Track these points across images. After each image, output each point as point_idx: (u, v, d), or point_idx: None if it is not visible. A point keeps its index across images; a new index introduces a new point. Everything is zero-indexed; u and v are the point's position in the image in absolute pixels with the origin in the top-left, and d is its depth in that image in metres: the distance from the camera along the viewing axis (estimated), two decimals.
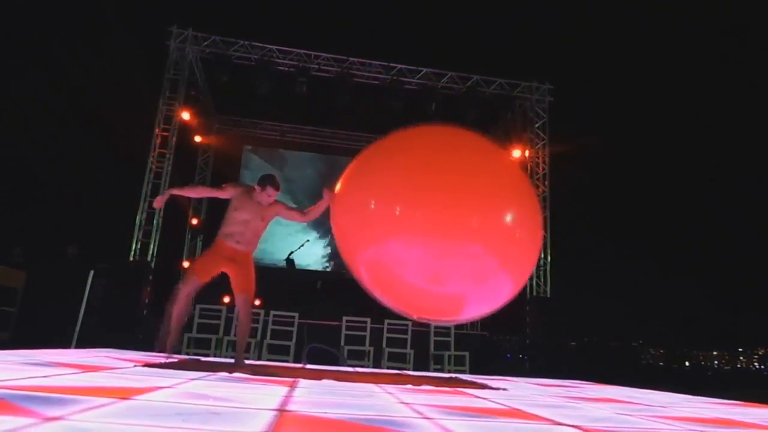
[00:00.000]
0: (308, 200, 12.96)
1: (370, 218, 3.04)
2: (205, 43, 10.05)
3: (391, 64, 10.42)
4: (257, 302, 6.85)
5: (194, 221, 12.70)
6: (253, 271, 3.84)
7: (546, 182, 10.64)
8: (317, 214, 3.83)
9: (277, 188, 3.75)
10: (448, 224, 2.84)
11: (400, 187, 2.94)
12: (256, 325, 6.55)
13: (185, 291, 3.69)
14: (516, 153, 11.16)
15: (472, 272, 2.94)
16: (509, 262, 3.05)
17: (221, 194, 3.82)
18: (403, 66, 10.46)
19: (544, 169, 10.72)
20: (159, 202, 3.95)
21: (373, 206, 3.03)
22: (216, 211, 3.92)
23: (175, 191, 4.30)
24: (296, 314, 6.76)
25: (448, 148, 3.11)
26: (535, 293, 9.87)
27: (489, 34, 16.80)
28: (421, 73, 10.51)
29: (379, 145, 3.39)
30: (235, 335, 6.59)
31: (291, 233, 11.77)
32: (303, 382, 2.86)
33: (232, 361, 4.80)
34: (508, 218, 3.02)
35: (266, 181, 3.73)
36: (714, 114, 22.11)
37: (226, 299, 7.91)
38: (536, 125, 10.89)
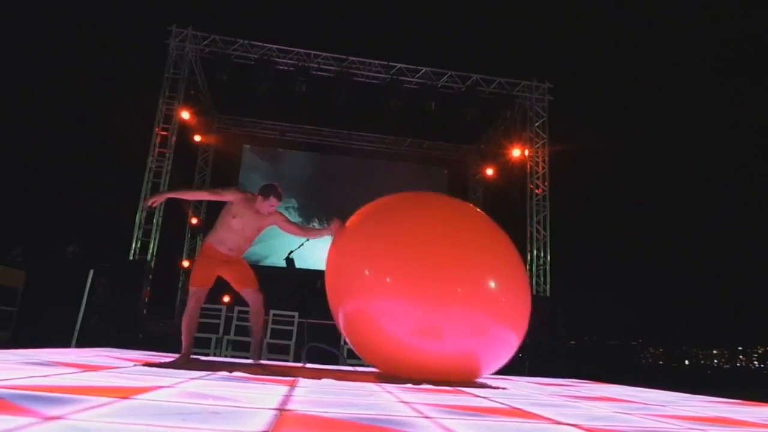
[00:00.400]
0: (307, 200, 12.97)
1: (362, 281, 3.38)
2: (205, 42, 10.05)
3: (391, 64, 10.42)
4: None
5: (194, 221, 12.72)
6: (248, 265, 3.88)
7: (546, 182, 10.64)
8: (315, 236, 3.90)
9: (279, 199, 3.70)
10: (437, 293, 3.14)
11: (391, 257, 3.29)
12: None
13: (195, 306, 3.69)
14: (516, 152, 11.18)
15: (470, 330, 3.17)
16: (500, 326, 3.29)
17: (223, 197, 3.77)
18: (403, 65, 10.46)
19: (543, 168, 10.72)
20: (151, 202, 3.74)
21: (367, 273, 3.37)
22: (216, 211, 3.88)
23: (172, 195, 4.26)
24: (296, 314, 6.76)
25: (439, 219, 3.52)
26: (535, 293, 9.88)
27: (489, 33, 16.79)
28: (421, 72, 10.51)
29: (384, 205, 3.76)
30: (234, 335, 6.59)
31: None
32: (303, 382, 2.85)
33: (233, 360, 4.79)
34: (493, 286, 3.31)
35: (270, 191, 3.66)
36: (714, 112, 22.13)
37: (226, 299, 7.92)
38: (536, 124, 10.89)
